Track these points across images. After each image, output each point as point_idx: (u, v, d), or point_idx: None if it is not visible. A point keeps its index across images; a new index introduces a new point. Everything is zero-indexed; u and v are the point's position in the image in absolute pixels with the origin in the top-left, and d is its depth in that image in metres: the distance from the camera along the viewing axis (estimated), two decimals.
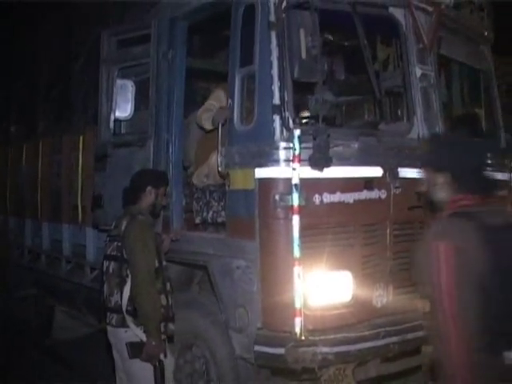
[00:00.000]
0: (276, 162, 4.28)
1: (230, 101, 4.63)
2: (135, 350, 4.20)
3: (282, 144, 4.26)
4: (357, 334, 4.29)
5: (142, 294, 4.16)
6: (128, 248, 4.29)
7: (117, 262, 4.35)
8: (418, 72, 4.95)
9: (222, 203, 4.99)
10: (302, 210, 4.13)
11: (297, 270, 4.09)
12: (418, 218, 4.72)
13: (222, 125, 4.67)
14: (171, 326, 4.33)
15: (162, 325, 4.25)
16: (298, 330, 4.07)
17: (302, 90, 4.57)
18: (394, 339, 4.44)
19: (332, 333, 4.22)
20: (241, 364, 4.57)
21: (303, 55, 4.03)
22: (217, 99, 5.35)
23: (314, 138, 4.08)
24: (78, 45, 7.36)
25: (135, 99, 5.56)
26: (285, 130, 4.26)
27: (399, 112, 6.22)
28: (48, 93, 8.04)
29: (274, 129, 4.29)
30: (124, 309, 4.26)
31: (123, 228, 4.35)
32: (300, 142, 4.10)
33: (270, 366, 4.44)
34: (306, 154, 4.11)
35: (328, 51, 6.36)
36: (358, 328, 4.36)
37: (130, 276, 4.26)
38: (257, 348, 4.29)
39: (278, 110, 4.26)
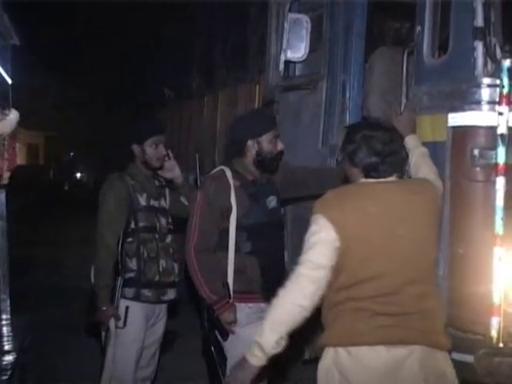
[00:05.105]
0: (476, 104, 3.58)
1: (418, 27, 3.92)
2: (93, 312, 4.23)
3: (486, 80, 3.54)
4: None
5: (95, 256, 4.14)
6: None
7: None
8: None
9: None
10: (510, 170, 3.43)
11: (498, 251, 3.41)
12: None
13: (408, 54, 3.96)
14: (146, 293, 4.11)
15: (133, 290, 4.08)
16: (494, 333, 3.44)
17: None
18: None
19: None
20: None
21: None
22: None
23: None
24: None
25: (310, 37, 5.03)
26: (489, 61, 3.54)
27: None
28: (224, 44, 8.00)
29: (474, 59, 3.55)
30: None
31: None
32: (510, 78, 3.40)
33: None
34: None
35: None
36: None
37: None
38: None
39: (482, 34, 3.53)
